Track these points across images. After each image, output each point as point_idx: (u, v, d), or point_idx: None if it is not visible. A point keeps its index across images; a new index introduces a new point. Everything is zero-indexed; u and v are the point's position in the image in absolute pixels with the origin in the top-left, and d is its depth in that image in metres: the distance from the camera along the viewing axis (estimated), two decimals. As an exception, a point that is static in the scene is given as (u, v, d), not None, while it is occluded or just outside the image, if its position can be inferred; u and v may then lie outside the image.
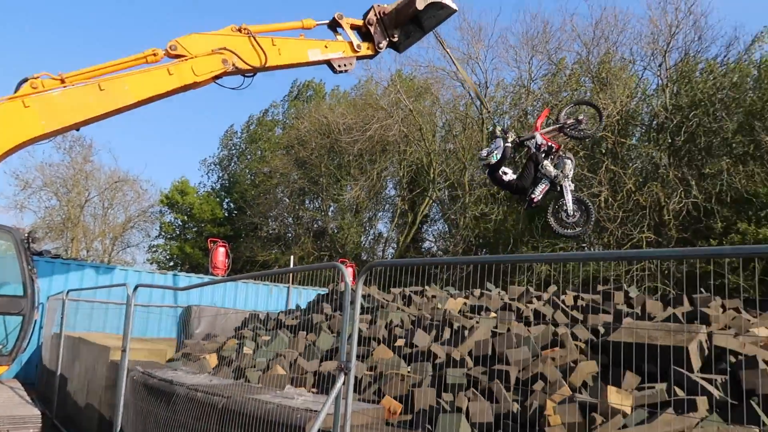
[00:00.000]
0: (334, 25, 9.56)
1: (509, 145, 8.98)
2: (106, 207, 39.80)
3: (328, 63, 9.31)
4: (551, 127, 9.54)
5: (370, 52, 9.70)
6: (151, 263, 42.51)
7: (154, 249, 43.37)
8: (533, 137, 9.09)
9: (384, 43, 9.70)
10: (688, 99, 22.47)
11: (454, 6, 9.60)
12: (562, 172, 8.78)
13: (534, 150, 9.02)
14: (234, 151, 46.34)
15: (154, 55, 7.84)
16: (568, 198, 8.75)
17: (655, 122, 24.29)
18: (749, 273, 17.40)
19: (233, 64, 8.21)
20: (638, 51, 24.46)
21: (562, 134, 9.76)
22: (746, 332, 5.57)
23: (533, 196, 8.88)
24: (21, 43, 57.99)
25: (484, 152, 9.23)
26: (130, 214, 40.89)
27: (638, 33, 24.41)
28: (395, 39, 9.75)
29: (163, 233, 43.46)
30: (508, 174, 8.99)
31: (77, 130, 7.78)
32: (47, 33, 61.42)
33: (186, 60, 7.88)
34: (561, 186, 8.85)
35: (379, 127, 28.52)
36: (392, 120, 28.39)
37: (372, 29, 9.56)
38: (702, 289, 7.96)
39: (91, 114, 7.22)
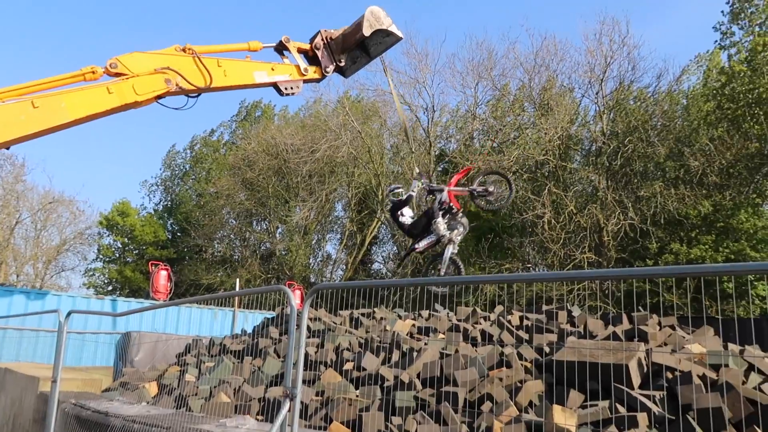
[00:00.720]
0: (281, 49, 9.54)
1: (413, 194, 9.36)
2: (39, 229, 37.96)
3: (275, 86, 9.27)
4: (462, 188, 9.72)
5: (317, 76, 9.74)
6: (88, 288, 40.65)
7: (92, 273, 41.51)
8: (441, 191, 9.29)
9: (331, 68, 9.75)
10: (623, 125, 23.64)
11: (399, 34, 9.76)
12: (450, 233, 9.05)
13: (436, 205, 9.23)
14: (177, 172, 45.21)
15: (93, 72, 7.58)
16: (446, 259, 9.09)
17: (593, 147, 25.37)
18: (682, 291, 18.24)
19: (177, 84, 8.05)
20: (576, 79, 25.66)
21: (474, 200, 9.97)
22: (681, 349, 5.78)
23: (417, 245, 9.24)
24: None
25: (393, 187, 9.66)
26: (66, 236, 39.14)
27: (576, 62, 25.69)
28: (342, 63, 9.82)
29: (101, 256, 41.68)
30: (405, 216, 9.30)
31: (7, 148, 7.38)
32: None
33: (127, 78, 7.67)
34: (444, 247, 9.17)
35: (328, 148, 28.53)
36: (341, 141, 28.47)
37: (319, 53, 9.60)
38: (640, 308, 8.26)
39: (22, 132, 6.89)
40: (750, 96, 20.63)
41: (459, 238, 9.21)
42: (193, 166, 44.15)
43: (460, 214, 9.40)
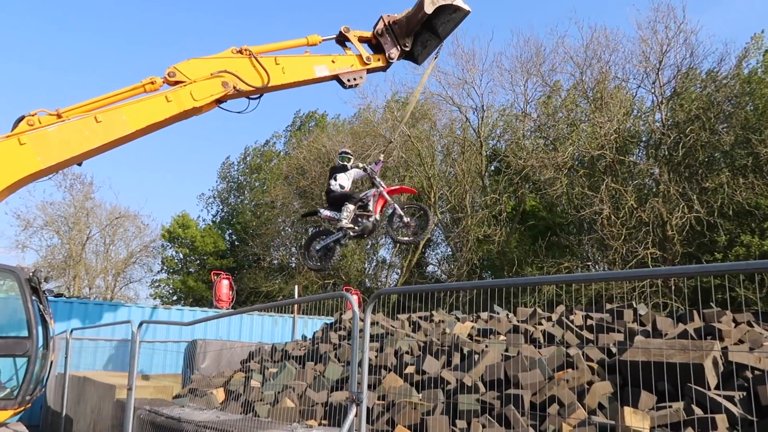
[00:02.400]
0: (342, 40, 9.24)
1: (359, 170, 9.68)
2: (108, 243, 39.78)
3: (337, 78, 8.99)
4: (392, 203, 9.66)
5: (381, 64, 9.32)
6: (155, 298, 42.31)
7: (157, 284, 43.22)
8: (377, 188, 9.45)
9: (395, 53, 9.28)
10: (683, 114, 22.65)
11: (466, 7, 9.10)
12: (347, 224, 9.26)
13: (360, 194, 9.56)
14: (233, 183, 46.52)
15: (152, 83, 7.68)
16: (326, 241, 9.62)
17: (652, 138, 24.43)
18: (755, 286, 17.29)
19: (234, 87, 8.00)
20: (631, 70, 24.76)
21: (389, 218, 9.99)
22: (761, 347, 5.49)
23: (321, 210, 9.78)
24: (20, 81, 58.75)
25: (347, 151, 10.09)
26: (132, 249, 40.83)
27: (630, 52, 24.73)
28: (407, 48, 9.35)
29: (165, 267, 43.33)
30: (336, 182, 9.63)
31: (79, 164, 7.69)
32: (47, 70, 62.27)
33: (185, 86, 7.71)
34: (335, 231, 9.55)
35: (379, 153, 28.65)
36: (391, 146, 28.55)
37: (382, 40, 9.21)
38: (711, 304, 7.89)
39: (87, 147, 7.11)
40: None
41: (351, 234, 9.42)
42: (247, 177, 45.33)
43: (372, 219, 9.49)
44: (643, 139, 25.63)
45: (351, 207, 9.30)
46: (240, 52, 8.30)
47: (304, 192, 34.52)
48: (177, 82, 7.78)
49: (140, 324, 7.53)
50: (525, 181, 26.75)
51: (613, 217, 21.89)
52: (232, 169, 46.85)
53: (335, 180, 9.61)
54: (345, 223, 9.23)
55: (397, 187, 10.21)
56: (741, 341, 5.97)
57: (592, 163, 24.35)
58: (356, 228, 9.42)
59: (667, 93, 23.68)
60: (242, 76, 8.08)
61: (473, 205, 28.04)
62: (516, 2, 52.25)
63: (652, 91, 24.06)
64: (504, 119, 30.30)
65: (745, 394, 4.59)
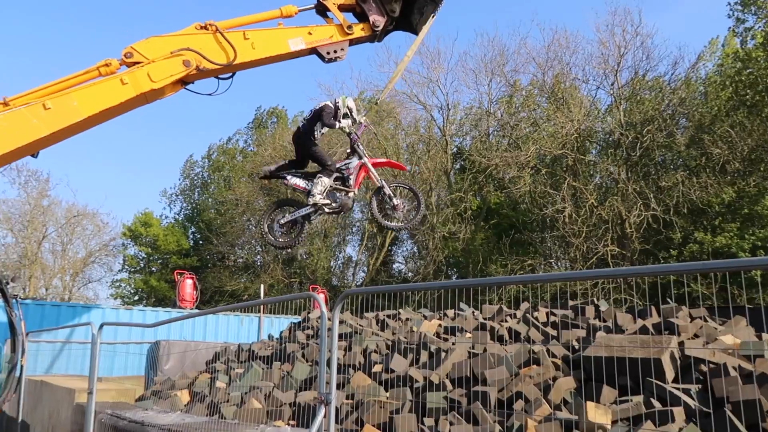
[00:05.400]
0: (322, 9, 8.46)
1: (341, 124, 8.18)
2: (65, 242, 38.64)
3: (316, 52, 8.23)
4: (377, 176, 8.51)
5: (364, 34, 8.50)
6: (115, 298, 41.29)
7: (118, 284, 42.17)
8: (359, 157, 8.22)
9: (380, 20, 8.43)
10: (640, 116, 23.33)
11: None
12: (321, 199, 8.01)
13: (343, 164, 8.24)
14: (196, 181, 45.75)
15: (108, 65, 7.10)
16: (294, 215, 8.17)
17: (611, 139, 25.10)
18: (709, 281, 17.94)
19: (197, 66, 7.40)
20: (590, 71, 25.39)
21: (374, 197, 8.74)
22: (714, 341, 5.71)
23: (289, 177, 8.24)
24: (-29, 77, 56.33)
25: (352, 103, 8.54)
26: (91, 248, 39.76)
27: (589, 54, 25.39)
28: (395, 14, 8.56)
29: (126, 267, 42.33)
30: (317, 133, 8.24)
31: (34, 156, 7.20)
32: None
33: (142, 66, 7.14)
34: (307, 202, 8.17)
35: (344, 151, 28.62)
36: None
37: (366, 6, 8.37)
38: (668, 299, 8.16)
39: (36, 135, 6.57)
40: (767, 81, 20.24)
41: (327, 210, 8.14)
42: (211, 175, 44.64)
43: (351, 196, 8.24)
44: (603, 138, 26.32)
45: (326, 180, 8.01)
46: (204, 27, 7.66)
47: (269, 189, 34.18)
48: (134, 63, 7.19)
49: (101, 326, 7.34)
50: (489, 179, 27.13)
51: (574, 215, 22.40)
52: (195, 167, 46.09)
53: (316, 131, 8.11)
54: (319, 198, 7.98)
55: (385, 160, 8.76)
56: (696, 336, 6.19)
57: (554, 162, 24.86)
58: (332, 204, 8.20)
59: (625, 95, 24.36)
60: (206, 53, 7.45)
61: (439, 203, 28.27)
62: (480, 3, 52.88)
63: (611, 92, 24.73)
64: (469, 118, 30.63)
65: (700, 387, 4.78)
